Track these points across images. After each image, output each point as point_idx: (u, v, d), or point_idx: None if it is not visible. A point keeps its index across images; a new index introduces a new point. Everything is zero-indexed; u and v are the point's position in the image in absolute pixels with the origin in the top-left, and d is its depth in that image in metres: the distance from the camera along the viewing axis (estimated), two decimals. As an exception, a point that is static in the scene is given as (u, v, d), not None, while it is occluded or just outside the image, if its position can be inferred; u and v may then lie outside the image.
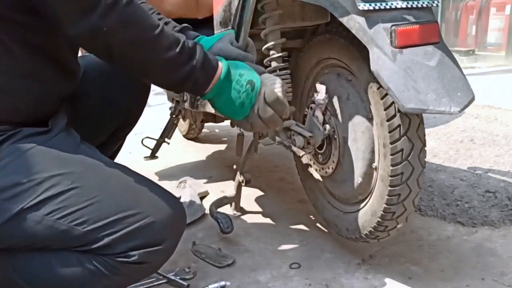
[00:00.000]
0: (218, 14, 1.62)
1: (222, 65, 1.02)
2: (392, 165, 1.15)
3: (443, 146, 2.34)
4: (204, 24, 1.92)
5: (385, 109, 1.14)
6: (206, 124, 2.93)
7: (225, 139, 3.05)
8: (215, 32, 1.75)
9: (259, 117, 1.06)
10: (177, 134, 3.05)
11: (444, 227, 1.63)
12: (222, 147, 2.84)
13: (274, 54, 1.42)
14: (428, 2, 1.14)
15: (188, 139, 3.02)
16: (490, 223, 1.62)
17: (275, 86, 1.06)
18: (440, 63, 1.09)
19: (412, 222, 1.64)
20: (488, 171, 1.96)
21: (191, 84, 0.99)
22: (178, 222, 1.05)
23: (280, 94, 1.05)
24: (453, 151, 2.28)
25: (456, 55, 1.10)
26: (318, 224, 1.68)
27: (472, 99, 1.08)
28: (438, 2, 1.17)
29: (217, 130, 3.22)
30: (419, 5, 1.13)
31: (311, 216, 1.75)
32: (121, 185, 1.00)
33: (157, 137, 2.51)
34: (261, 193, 2.02)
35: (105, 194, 0.95)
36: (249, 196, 1.97)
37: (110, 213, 0.94)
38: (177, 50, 0.94)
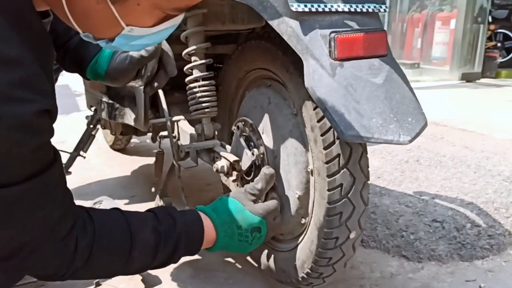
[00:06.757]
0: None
1: (215, 235, 0.97)
2: (329, 203, 0.95)
3: (387, 166, 2.18)
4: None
5: (322, 135, 0.94)
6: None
7: (157, 150, 2.73)
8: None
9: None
10: (104, 144, 2.74)
11: (388, 261, 1.45)
12: (152, 160, 2.53)
13: (196, 60, 1.19)
14: (375, 7, 0.95)
15: (115, 150, 2.71)
16: (437, 257, 1.45)
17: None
18: (388, 81, 0.89)
19: (353, 256, 1.43)
20: (435, 197, 1.81)
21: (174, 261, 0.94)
22: None
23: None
24: (398, 172, 2.13)
25: (401, 68, 0.91)
26: (248, 258, 1.46)
27: (425, 126, 0.89)
28: (386, 7, 0.98)
29: (148, 141, 2.90)
30: (364, 10, 0.93)
31: (241, 248, 1.52)
32: None
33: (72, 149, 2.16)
34: (187, 218, 1.77)
35: None
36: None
37: None
38: (155, 256, 0.88)
